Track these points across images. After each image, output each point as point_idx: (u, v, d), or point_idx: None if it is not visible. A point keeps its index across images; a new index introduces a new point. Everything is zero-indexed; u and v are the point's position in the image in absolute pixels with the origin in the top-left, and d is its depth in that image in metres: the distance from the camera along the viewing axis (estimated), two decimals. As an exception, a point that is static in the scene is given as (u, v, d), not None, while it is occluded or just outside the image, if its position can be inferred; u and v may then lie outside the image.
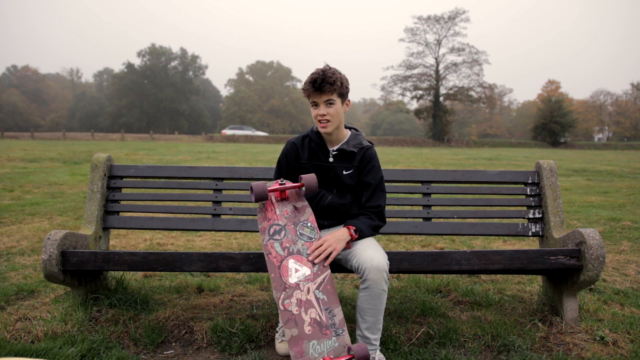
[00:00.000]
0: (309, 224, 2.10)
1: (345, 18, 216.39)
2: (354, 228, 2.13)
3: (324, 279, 1.99)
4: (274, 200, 2.12)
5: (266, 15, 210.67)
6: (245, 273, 3.45)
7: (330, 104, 2.13)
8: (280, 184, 2.10)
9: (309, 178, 2.09)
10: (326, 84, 2.08)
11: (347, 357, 1.82)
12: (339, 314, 1.94)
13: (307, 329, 1.90)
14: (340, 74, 2.15)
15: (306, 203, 2.15)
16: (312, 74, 2.12)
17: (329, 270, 2.02)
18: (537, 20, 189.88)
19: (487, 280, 3.43)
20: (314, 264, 2.01)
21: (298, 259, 2.01)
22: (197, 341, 2.41)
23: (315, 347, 1.88)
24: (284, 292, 1.94)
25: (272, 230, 2.05)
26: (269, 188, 2.07)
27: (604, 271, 3.56)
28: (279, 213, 2.10)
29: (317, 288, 1.96)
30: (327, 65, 2.16)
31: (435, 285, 3.22)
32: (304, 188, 2.11)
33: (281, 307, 1.92)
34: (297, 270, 1.98)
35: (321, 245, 2.04)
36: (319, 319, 1.91)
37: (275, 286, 1.95)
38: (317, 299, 1.94)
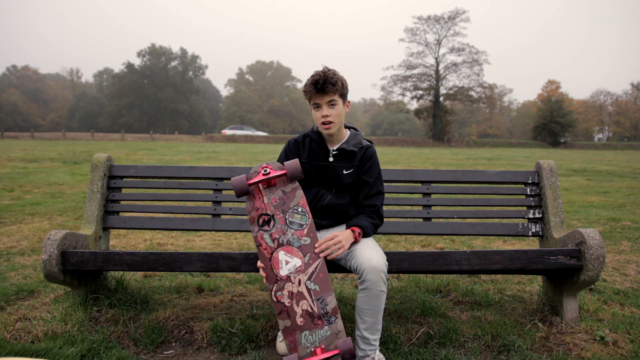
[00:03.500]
0: (299, 209, 2.03)
1: (345, 18, 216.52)
2: (358, 231, 2.13)
3: (316, 268, 1.97)
4: (261, 188, 2.04)
5: (267, 15, 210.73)
6: (245, 273, 3.45)
7: (333, 104, 2.14)
8: (263, 174, 2.02)
9: (292, 164, 2.02)
10: (328, 84, 2.09)
11: (334, 353, 1.86)
12: (331, 302, 1.94)
13: (299, 320, 1.92)
14: (340, 74, 2.16)
15: (296, 184, 2.06)
16: (313, 75, 2.13)
17: (323, 257, 2.00)
18: (538, 20, 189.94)
19: (487, 280, 3.43)
20: (304, 255, 1.98)
21: (288, 250, 1.99)
22: (197, 341, 2.41)
23: (307, 338, 1.92)
24: (275, 285, 1.95)
25: (261, 220, 2.02)
26: (249, 181, 2.01)
27: (604, 271, 3.56)
28: (267, 201, 2.04)
29: (309, 279, 1.96)
30: (326, 67, 2.17)
31: (435, 285, 3.22)
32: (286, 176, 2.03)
33: (274, 299, 1.94)
34: (287, 262, 1.97)
35: (332, 239, 2.02)
36: (310, 310, 1.93)
37: (267, 278, 1.97)
38: (309, 290, 1.95)
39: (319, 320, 1.93)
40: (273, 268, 1.97)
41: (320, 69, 2.17)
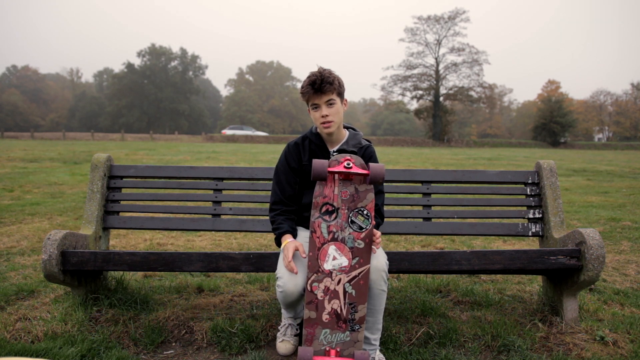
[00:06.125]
0: (364, 212, 1.98)
1: (345, 18, 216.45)
2: None
3: (359, 273, 1.95)
4: (336, 178, 2.00)
5: (267, 15, 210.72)
6: (245, 273, 3.45)
7: (331, 104, 2.14)
8: (345, 167, 1.96)
9: (378, 168, 1.95)
10: (326, 84, 2.09)
11: None
12: (361, 310, 1.95)
13: (324, 316, 1.92)
14: (335, 73, 2.16)
15: (370, 187, 2.00)
16: (309, 76, 2.13)
17: (370, 265, 1.97)
18: (538, 20, 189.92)
19: (487, 280, 3.43)
20: (354, 257, 1.95)
21: (340, 247, 1.96)
22: (197, 341, 2.41)
23: (326, 336, 1.92)
24: (315, 275, 1.94)
25: (324, 209, 1.97)
26: (329, 168, 1.96)
27: (604, 271, 3.56)
28: (337, 193, 1.99)
29: (349, 281, 1.95)
30: (321, 67, 2.17)
31: (435, 285, 3.22)
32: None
33: (308, 288, 1.94)
34: (334, 258, 1.95)
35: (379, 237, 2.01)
36: (339, 312, 1.93)
37: (309, 265, 1.95)
38: (345, 292, 1.94)
39: (344, 323, 1.93)
40: (319, 258, 1.95)
41: (315, 70, 2.17)
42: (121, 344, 2.34)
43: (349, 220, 1.97)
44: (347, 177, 2.00)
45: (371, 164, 1.97)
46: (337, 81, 2.14)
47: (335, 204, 1.98)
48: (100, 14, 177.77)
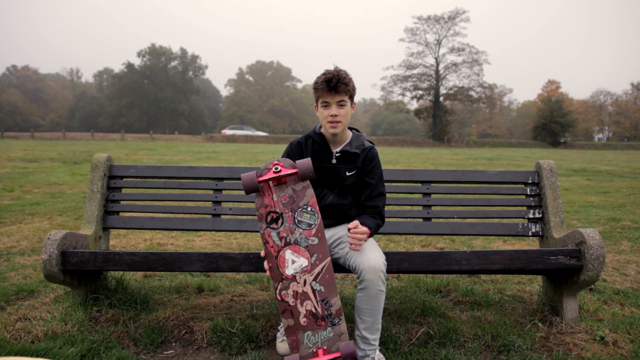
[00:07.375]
0: (309, 209, 1.99)
1: (345, 18, 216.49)
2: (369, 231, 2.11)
3: (322, 269, 1.95)
4: (271, 185, 2.01)
5: (267, 15, 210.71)
6: (245, 273, 3.45)
7: (342, 105, 2.15)
8: (274, 172, 1.99)
9: (304, 163, 1.99)
10: (341, 84, 2.09)
11: (335, 356, 1.86)
12: (336, 303, 1.94)
13: (302, 320, 1.92)
14: (351, 76, 2.17)
15: (307, 183, 2.01)
16: (326, 73, 2.12)
17: (329, 258, 1.98)
18: (538, 20, 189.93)
19: (487, 280, 3.43)
20: (311, 255, 1.95)
21: (295, 249, 1.97)
22: (197, 341, 2.41)
23: (309, 338, 1.92)
24: (281, 283, 1.94)
25: (269, 218, 1.99)
26: (259, 178, 1.98)
27: (604, 271, 3.56)
28: (277, 199, 2.00)
29: (315, 279, 1.95)
30: (337, 67, 2.17)
31: (435, 285, 3.22)
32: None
33: (278, 297, 1.94)
34: (293, 262, 1.95)
35: (361, 230, 1.99)
36: (314, 311, 1.93)
37: (272, 276, 1.96)
38: (314, 290, 1.94)
39: (323, 321, 1.93)
40: (279, 267, 1.95)
41: (328, 68, 2.16)
42: (121, 344, 2.34)
43: (296, 221, 1.98)
44: (280, 181, 2.01)
45: (297, 161, 2.00)
46: (352, 84, 2.15)
47: (277, 210, 1.99)
48: (100, 14, 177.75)
